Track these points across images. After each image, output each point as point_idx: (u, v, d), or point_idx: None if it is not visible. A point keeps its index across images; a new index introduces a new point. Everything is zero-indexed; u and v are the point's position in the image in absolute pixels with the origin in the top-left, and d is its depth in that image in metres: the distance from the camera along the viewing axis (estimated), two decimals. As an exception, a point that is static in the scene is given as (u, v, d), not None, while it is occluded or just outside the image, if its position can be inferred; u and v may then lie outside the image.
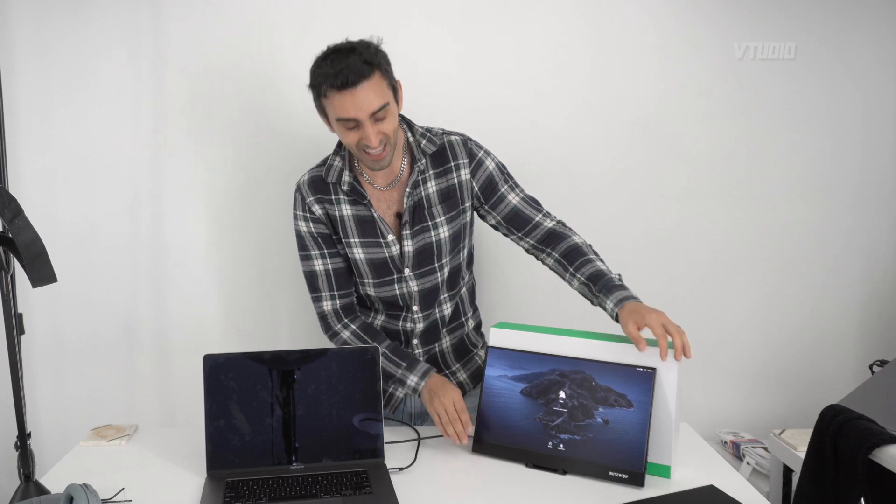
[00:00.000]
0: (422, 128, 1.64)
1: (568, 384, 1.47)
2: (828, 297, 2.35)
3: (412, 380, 1.62)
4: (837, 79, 2.25)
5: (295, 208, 1.66)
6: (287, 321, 2.20)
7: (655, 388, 1.41)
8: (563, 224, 1.69)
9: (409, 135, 1.62)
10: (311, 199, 1.64)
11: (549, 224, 1.68)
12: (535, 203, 1.69)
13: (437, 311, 1.71)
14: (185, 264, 2.14)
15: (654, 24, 2.17)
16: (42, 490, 1.30)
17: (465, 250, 1.74)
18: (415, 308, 1.68)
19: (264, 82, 2.09)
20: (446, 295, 1.71)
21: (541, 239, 1.68)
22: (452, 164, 1.62)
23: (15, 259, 1.26)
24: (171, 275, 2.14)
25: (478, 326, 1.85)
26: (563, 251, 1.64)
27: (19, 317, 1.40)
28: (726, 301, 2.31)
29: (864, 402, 1.72)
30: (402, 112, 1.59)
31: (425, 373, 1.62)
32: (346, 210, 1.62)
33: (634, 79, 2.18)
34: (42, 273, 1.23)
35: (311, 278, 1.68)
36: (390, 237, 1.62)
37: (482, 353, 1.82)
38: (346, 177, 1.60)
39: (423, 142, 1.61)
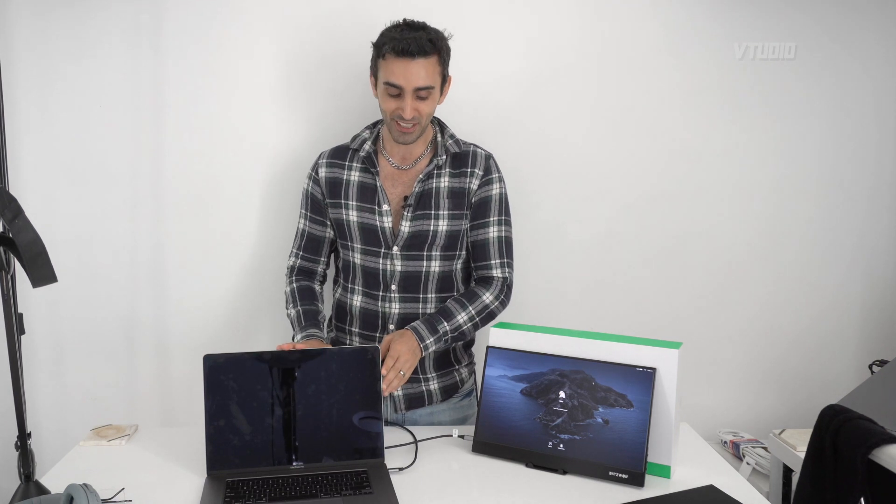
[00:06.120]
0: (454, 134, 1.78)
1: (568, 384, 1.48)
2: (828, 297, 2.35)
3: (295, 338, 1.72)
4: (837, 79, 2.24)
5: (311, 168, 1.82)
6: (287, 321, 2.20)
7: (655, 388, 1.41)
8: (504, 283, 1.75)
9: (439, 135, 1.76)
10: (324, 161, 1.79)
11: (494, 274, 1.75)
12: (506, 248, 1.76)
13: (420, 306, 1.73)
14: (184, 264, 2.14)
15: (653, 24, 2.16)
16: (42, 490, 1.30)
17: (461, 262, 1.77)
18: (393, 287, 1.72)
19: (266, 82, 2.09)
20: (433, 295, 1.74)
21: (476, 278, 1.79)
22: (469, 170, 1.74)
23: (15, 259, 1.26)
24: (171, 275, 2.14)
25: (468, 344, 1.87)
26: (465, 290, 1.76)
27: (19, 317, 1.40)
28: (726, 301, 2.31)
29: (864, 402, 1.72)
30: (441, 103, 1.70)
31: (304, 337, 1.68)
32: (355, 176, 1.75)
33: (634, 79, 2.18)
34: (42, 273, 1.23)
35: (295, 233, 1.84)
36: (385, 207, 1.71)
37: (464, 371, 1.84)
38: (367, 146, 1.75)
39: (450, 142, 1.75)
